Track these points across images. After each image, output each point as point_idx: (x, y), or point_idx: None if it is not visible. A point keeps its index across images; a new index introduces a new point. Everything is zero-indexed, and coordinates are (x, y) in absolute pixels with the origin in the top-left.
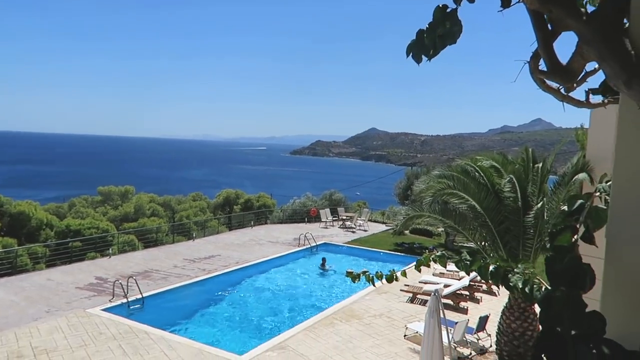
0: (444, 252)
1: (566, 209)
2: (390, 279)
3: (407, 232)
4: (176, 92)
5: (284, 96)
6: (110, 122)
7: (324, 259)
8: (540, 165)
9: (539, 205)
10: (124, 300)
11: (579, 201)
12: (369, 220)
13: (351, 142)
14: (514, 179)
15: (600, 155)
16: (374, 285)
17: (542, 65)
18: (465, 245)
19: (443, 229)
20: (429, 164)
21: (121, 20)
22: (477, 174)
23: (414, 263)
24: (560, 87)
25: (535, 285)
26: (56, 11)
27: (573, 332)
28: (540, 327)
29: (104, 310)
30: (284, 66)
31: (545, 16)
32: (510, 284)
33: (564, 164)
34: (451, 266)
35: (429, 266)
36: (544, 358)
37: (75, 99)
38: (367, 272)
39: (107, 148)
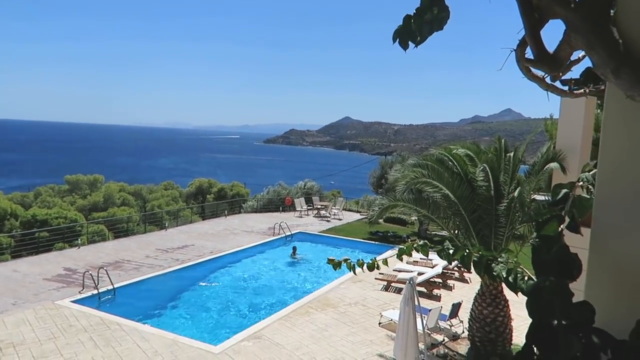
0: (426, 241)
1: (537, 198)
2: (372, 267)
3: (381, 221)
4: (145, 78)
5: (257, 84)
6: (76, 109)
7: (294, 248)
8: (512, 154)
9: (516, 193)
10: (95, 292)
11: (564, 190)
12: (343, 209)
13: (325, 131)
14: (487, 168)
15: (570, 145)
16: (354, 273)
17: (529, 54)
18: (438, 233)
19: (417, 218)
20: (403, 153)
21: (86, 1)
22: (450, 163)
23: (396, 251)
24: (546, 75)
25: (519, 275)
26: None
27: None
28: (511, 314)
29: (74, 302)
30: (258, 53)
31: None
32: (494, 273)
33: (533, 153)
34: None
35: (410, 255)
36: (536, 350)
37: (36, 85)
38: (349, 259)
39: (73, 136)
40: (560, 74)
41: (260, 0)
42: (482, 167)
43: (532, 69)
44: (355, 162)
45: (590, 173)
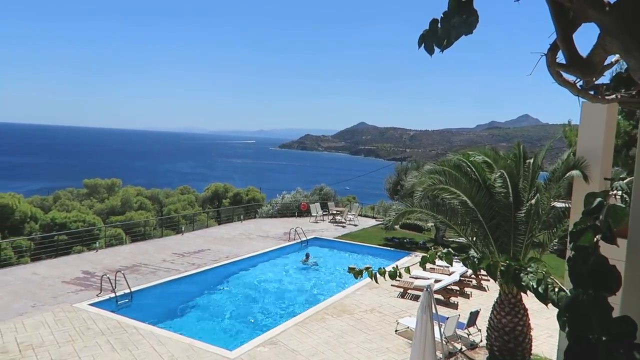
0: (449, 249)
1: (557, 205)
2: (394, 275)
3: (397, 227)
4: (162, 83)
5: (273, 89)
6: (95, 113)
7: (307, 254)
8: (532, 161)
9: (533, 201)
10: (112, 295)
11: (598, 199)
12: (359, 215)
13: (340, 136)
14: (506, 175)
15: (591, 151)
16: (376, 281)
17: (560, 58)
18: (455, 240)
19: (433, 224)
20: (419, 159)
21: (102, 6)
22: (468, 169)
23: (412, 258)
24: (577, 81)
25: (549, 285)
26: None
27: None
28: (531, 323)
29: (92, 305)
30: (274, 59)
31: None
32: (523, 283)
33: (551, 160)
34: (440, 261)
35: (434, 263)
36: None
37: (55, 89)
38: (370, 268)
39: (91, 140)
40: (594, 79)
41: (276, 6)
42: (500, 174)
43: (564, 74)
44: (370, 168)
45: (625, 181)
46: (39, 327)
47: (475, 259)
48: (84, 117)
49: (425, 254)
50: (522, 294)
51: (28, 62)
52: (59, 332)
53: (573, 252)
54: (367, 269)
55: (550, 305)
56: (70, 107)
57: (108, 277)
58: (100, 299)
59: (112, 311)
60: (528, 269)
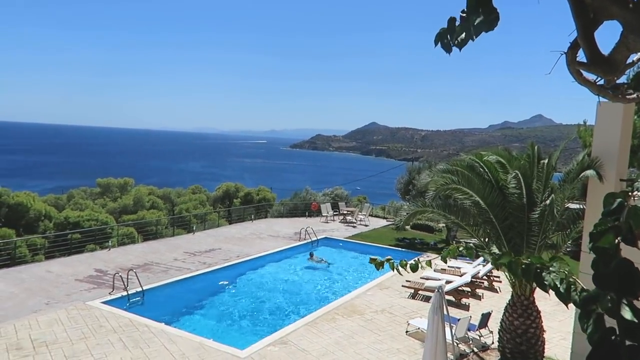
0: (471, 244)
1: (571, 207)
2: (415, 267)
3: (408, 227)
4: (174, 83)
5: (284, 90)
6: (110, 114)
7: (311, 253)
8: (546, 161)
9: (548, 202)
10: (124, 293)
11: (618, 200)
12: (369, 215)
13: (351, 136)
14: (520, 175)
15: (606, 152)
16: (399, 273)
17: (581, 56)
18: (467, 241)
19: (444, 225)
20: (431, 159)
21: (115, 10)
22: (481, 169)
23: (426, 257)
24: (598, 79)
25: (571, 286)
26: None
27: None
28: (543, 326)
29: (104, 302)
30: (286, 60)
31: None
32: (545, 282)
33: (564, 161)
34: (452, 262)
35: (456, 258)
36: None
37: (64, 89)
38: (391, 259)
39: (106, 139)
40: (615, 78)
41: (289, 10)
42: (514, 174)
43: (584, 73)
44: (381, 168)
45: None
46: (53, 324)
47: (496, 254)
48: (102, 117)
49: (446, 248)
50: (534, 295)
51: (45, 65)
52: (72, 329)
53: (595, 255)
54: (388, 260)
55: (563, 308)
56: (89, 108)
57: (120, 276)
58: (113, 297)
59: (124, 309)
60: (550, 267)
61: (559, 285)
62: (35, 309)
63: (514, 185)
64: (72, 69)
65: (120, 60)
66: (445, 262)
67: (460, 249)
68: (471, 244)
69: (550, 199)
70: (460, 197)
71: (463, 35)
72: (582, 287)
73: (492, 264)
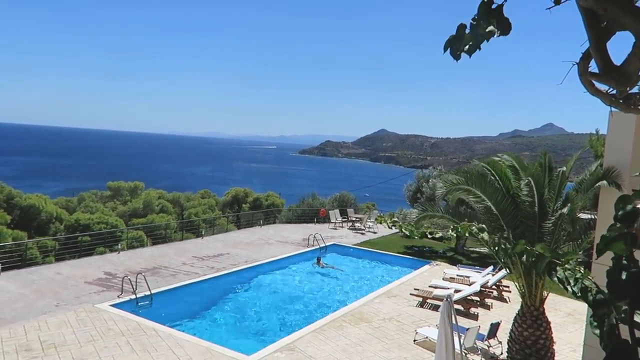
0: (483, 225)
1: (581, 217)
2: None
3: (417, 235)
4: (184, 88)
5: (293, 96)
6: (121, 118)
7: (318, 258)
8: (560, 170)
9: (565, 210)
10: (133, 297)
11: (630, 206)
12: (378, 222)
13: (360, 143)
14: (532, 183)
15: (619, 161)
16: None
17: (593, 67)
18: (477, 250)
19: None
20: (440, 167)
21: (124, 15)
22: (492, 177)
23: (434, 266)
24: (610, 90)
25: (588, 287)
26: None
27: None
28: (553, 337)
29: (113, 305)
30: (294, 66)
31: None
32: (558, 276)
33: (575, 170)
34: (461, 271)
35: (465, 236)
36: None
37: (73, 93)
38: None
39: (116, 142)
40: (627, 89)
41: (300, 16)
42: (526, 181)
43: (596, 83)
44: (390, 175)
45: None
46: (62, 326)
47: (512, 242)
48: (111, 120)
49: (458, 226)
50: (544, 306)
51: (51, 68)
52: (81, 331)
53: (612, 261)
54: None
55: (573, 319)
56: (98, 112)
57: (129, 279)
58: (121, 300)
59: (133, 312)
60: (566, 265)
61: (571, 282)
62: (44, 310)
63: (525, 193)
64: (79, 72)
65: (128, 65)
66: (461, 238)
67: (473, 228)
68: (483, 226)
69: (568, 207)
70: (472, 199)
71: (471, 42)
72: (598, 288)
73: (502, 255)
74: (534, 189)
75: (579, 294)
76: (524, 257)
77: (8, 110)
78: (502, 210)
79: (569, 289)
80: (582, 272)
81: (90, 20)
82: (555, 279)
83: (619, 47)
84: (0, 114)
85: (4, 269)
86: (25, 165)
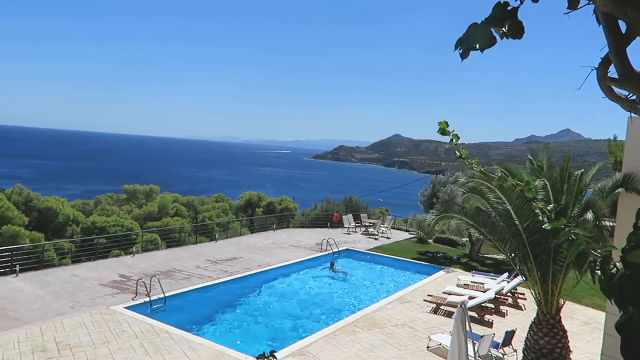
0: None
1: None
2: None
3: (430, 241)
4: (201, 93)
5: (307, 101)
6: (134, 121)
7: (332, 263)
8: (578, 176)
9: (590, 216)
10: (147, 299)
11: None
12: (391, 227)
13: (374, 148)
14: (548, 186)
15: (639, 168)
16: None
17: (612, 72)
18: (492, 256)
19: (468, 239)
20: (456, 172)
21: (130, 22)
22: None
23: (448, 272)
24: (630, 95)
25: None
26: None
27: None
28: (570, 346)
29: (127, 308)
30: (310, 71)
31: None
32: (595, 269)
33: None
34: (476, 278)
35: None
36: None
37: (90, 97)
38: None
39: (131, 146)
40: None
41: (314, 23)
42: (542, 183)
43: (615, 89)
44: (404, 180)
45: None
46: (77, 327)
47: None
48: (134, 125)
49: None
50: (561, 314)
51: (70, 72)
52: (95, 333)
53: (627, 270)
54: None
55: (590, 328)
56: (114, 116)
57: (143, 282)
58: (136, 302)
59: (147, 315)
60: (598, 250)
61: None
62: (60, 312)
63: (541, 197)
64: (97, 78)
65: (147, 72)
66: (476, 245)
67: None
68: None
69: (591, 213)
70: (492, 198)
71: (483, 42)
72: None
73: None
74: (550, 192)
75: (611, 290)
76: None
77: (27, 113)
78: (521, 215)
79: (601, 281)
80: (617, 264)
81: (111, 27)
82: (591, 266)
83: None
84: (20, 117)
85: (21, 271)
86: (45, 167)
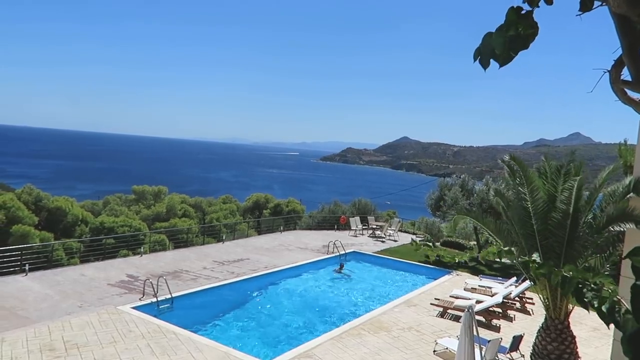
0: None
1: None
2: None
3: (438, 244)
4: (211, 96)
5: (315, 103)
6: (146, 123)
7: (341, 264)
8: (596, 182)
9: (602, 220)
10: (154, 300)
11: None
12: (399, 230)
13: (382, 150)
14: (574, 188)
15: None
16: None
17: (625, 75)
18: (499, 260)
19: (475, 243)
20: (464, 176)
21: (134, 25)
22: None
23: (454, 275)
24: None
25: (615, 307)
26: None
27: None
28: (578, 352)
29: (134, 308)
30: (317, 74)
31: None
32: (585, 299)
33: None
34: (483, 282)
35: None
36: None
37: (98, 99)
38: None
39: (141, 147)
40: None
41: (322, 27)
42: (570, 184)
43: (628, 92)
44: (412, 183)
45: None
46: (85, 327)
47: (537, 263)
48: (145, 126)
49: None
50: (569, 319)
51: (77, 74)
52: (103, 333)
53: (637, 280)
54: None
55: (599, 334)
56: (123, 117)
57: (151, 282)
58: (143, 302)
59: (154, 315)
60: (592, 285)
61: (597, 305)
62: (68, 311)
63: (564, 198)
64: (106, 80)
65: (158, 74)
66: (484, 247)
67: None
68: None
69: (604, 218)
70: (522, 191)
71: (500, 51)
72: (627, 308)
73: (532, 274)
74: (573, 196)
75: (606, 316)
76: (551, 278)
77: (40, 114)
78: (538, 214)
79: (599, 310)
80: (610, 290)
81: (121, 31)
82: (585, 300)
83: None
84: (32, 118)
85: (30, 270)
86: (56, 167)
